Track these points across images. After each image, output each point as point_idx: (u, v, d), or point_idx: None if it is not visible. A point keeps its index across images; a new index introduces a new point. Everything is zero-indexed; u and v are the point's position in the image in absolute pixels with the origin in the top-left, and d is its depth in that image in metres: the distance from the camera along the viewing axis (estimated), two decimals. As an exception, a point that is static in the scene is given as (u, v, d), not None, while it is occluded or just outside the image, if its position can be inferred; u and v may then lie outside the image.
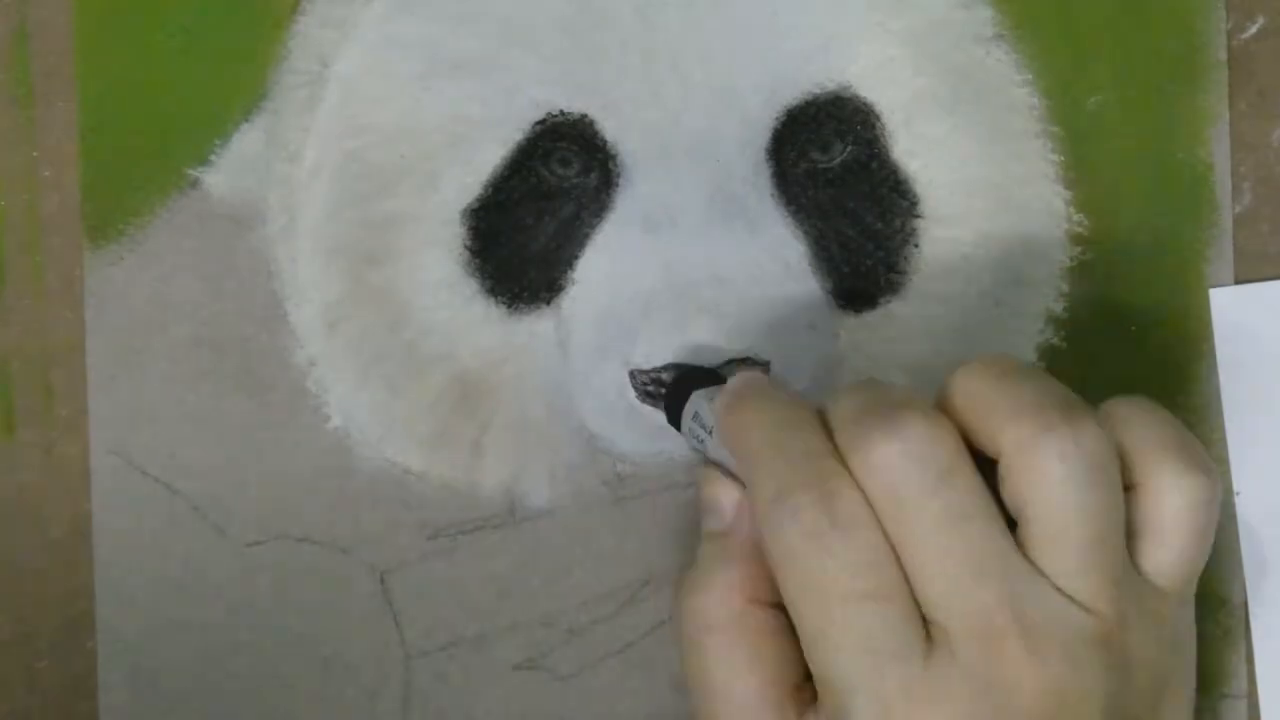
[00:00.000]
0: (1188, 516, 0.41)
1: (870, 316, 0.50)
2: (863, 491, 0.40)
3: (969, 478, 0.40)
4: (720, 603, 0.43)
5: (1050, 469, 0.39)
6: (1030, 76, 0.49)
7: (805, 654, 0.41)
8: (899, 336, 0.50)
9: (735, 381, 0.45)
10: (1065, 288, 0.50)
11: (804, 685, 0.42)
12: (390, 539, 0.50)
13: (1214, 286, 0.50)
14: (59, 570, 0.50)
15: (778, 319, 0.48)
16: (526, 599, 0.50)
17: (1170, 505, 0.41)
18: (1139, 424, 0.42)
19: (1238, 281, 0.50)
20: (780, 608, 0.42)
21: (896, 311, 0.50)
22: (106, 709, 0.50)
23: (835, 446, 0.41)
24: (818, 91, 0.49)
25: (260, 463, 0.50)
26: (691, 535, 0.50)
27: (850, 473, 0.40)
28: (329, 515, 0.50)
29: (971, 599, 0.39)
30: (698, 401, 0.46)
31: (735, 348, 0.48)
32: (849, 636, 0.39)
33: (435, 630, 0.50)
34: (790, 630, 0.41)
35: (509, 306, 0.50)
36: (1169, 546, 0.41)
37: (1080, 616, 0.39)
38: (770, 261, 0.49)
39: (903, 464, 0.39)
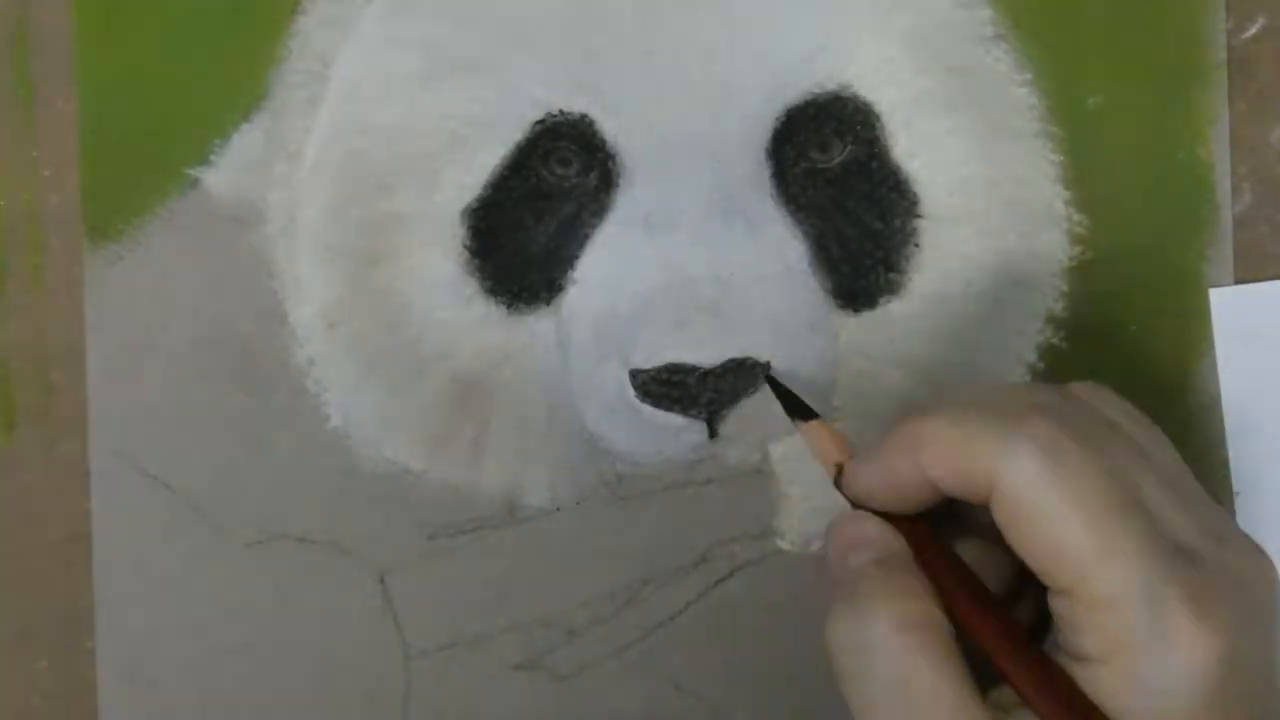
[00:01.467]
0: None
1: (870, 316, 0.50)
2: None
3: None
4: (916, 605, 0.40)
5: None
6: (1030, 76, 0.49)
7: (1067, 581, 0.38)
8: (899, 336, 0.50)
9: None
10: (1065, 287, 0.50)
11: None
12: (390, 539, 0.50)
13: (1214, 286, 0.50)
14: (59, 570, 0.50)
15: (777, 319, 0.48)
16: (526, 599, 0.50)
17: None
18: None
19: (1238, 281, 0.50)
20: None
21: (896, 311, 0.50)
22: (106, 708, 0.50)
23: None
24: (818, 91, 0.49)
25: (260, 462, 0.50)
26: (691, 535, 0.50)
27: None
28: (329, 515, 0.50)
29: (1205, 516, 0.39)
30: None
31: (734, 348, 0.48)
32: (1128, 537, 0.37)
33: (435, 630, 0.50)
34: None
35: (509, 306, 0.50)
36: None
37: None
38: (770, 261, 0.49)
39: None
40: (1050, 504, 0.37)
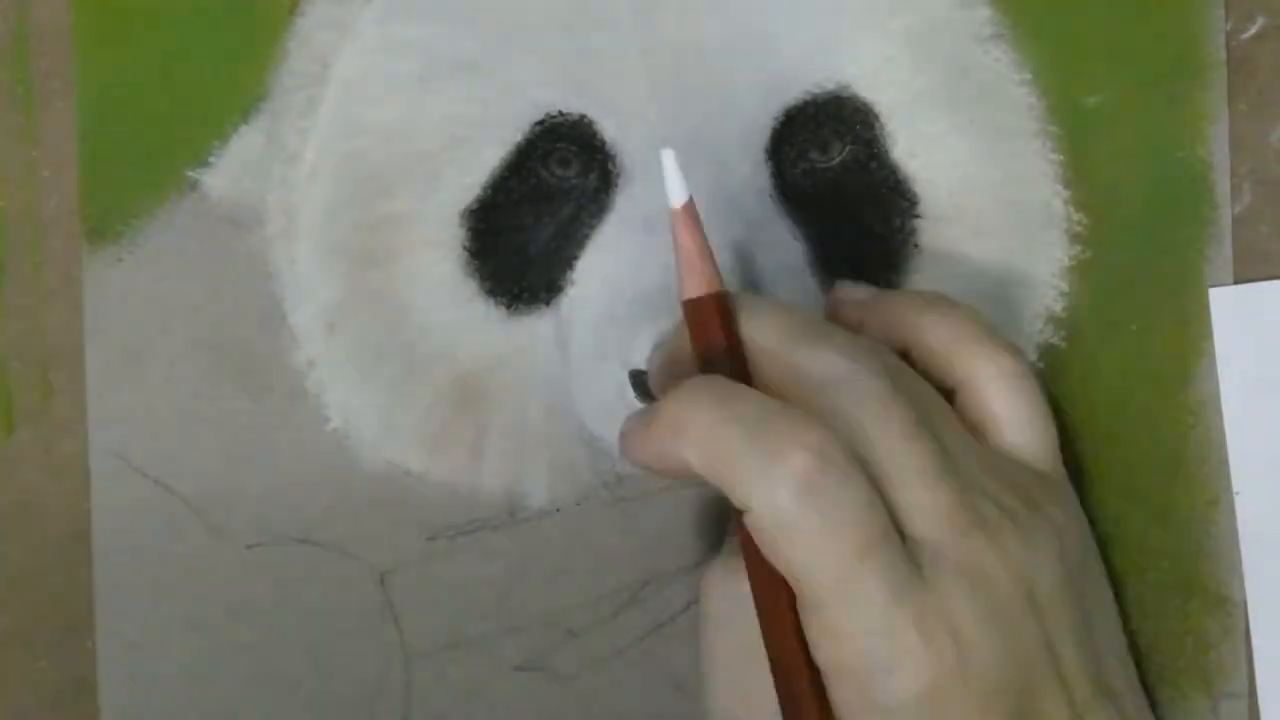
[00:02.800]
0: (1015, 393, 0.45)
1: (870, 316, 0.50)
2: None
3: (918, 384, 0.43)
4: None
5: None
6: (1029, 76, 0.49)
7: (809, 603, 0.40)
8: (898, 336, 0.50)
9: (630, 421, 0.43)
10: (1065, 287, 0.50)
11: None
12: (390, 540, 0.50)
13: (1214, 286, 0.50)
14: (58, 570, 0.50)
15: (777, 319, 0.48)
16: (526, 600, 0.50)
17: (997, 390, 0.44)
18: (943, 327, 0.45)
19: (1237, 281, 0.50)
20: None
21: (896, 311, 0.50)
22: (106, 709, 0.50)
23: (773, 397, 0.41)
24: (817, 91, 0.49)
25: (259, 464, 0.50)
26: (691, 535, 0.50)
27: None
28: (329, 516, 0.50)
29: (938, 496, 0.41)
30: None
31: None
32: (867, 587, 0.39)
33: (435, 631, 0.50)
34: None
35: (508, 307, 0.50)
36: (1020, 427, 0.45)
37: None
38: (769, 262, 0.49)
39: (852, 384, 0.41)
40: (799, 541, 0.39)
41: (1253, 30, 0.50)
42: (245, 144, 0.50)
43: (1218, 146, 0.50)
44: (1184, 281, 0.50)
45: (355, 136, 0.49)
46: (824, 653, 0.40)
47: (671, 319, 0.47)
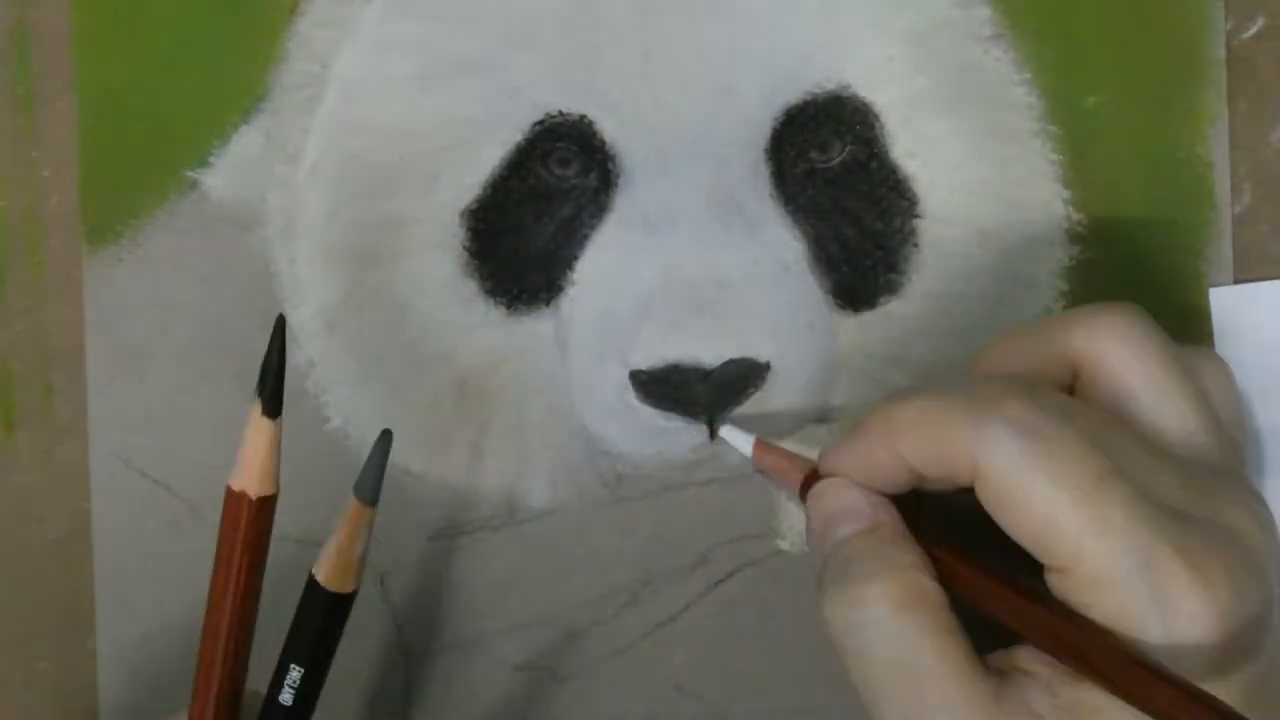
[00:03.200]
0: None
1: (869, 316, 0.50)
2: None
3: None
4: (911, 581, 0.40)
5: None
6: (1029, 76, 0.49)
7: (1062, 559, 0.38)
8: (898, 337, 0.50)
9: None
10: (1065, 287, 0.50)
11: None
12: (390, 540, 0.50)
13: (1214, 286, 0.50)
14: (59, 571, 0.50)
15: (777, 319, 0.48)
16: (526, 600, 0.50)
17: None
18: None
19: (1237, 281, 0.50)
20: None
21: (896, 311, 0.50)
22: (107, 709, 0.50)
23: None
24: (817, 91, 0.49)
25: (260, 464, 0.50)
26: (691, 535, 0.50)
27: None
28: (329, 516, 0.50)
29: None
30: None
31: (734, 348, 0.48)
32: (1116, 507, 0.38)
33: (435, 631, 0.50)
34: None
35: (508, 307, 0.50)
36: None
37: None
38: (769, 262, 0.49)
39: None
40: (1035, 484, 0.38)
41: (1253, 30, 0.50)
42: (245, 144, 0.50)
43: (1218, 146, 0.50)
44: (1184, 281, 0.50)
45: (355, 136, 0.49)
46: (1087, 610, 0.38)
47: (671, 319, 0.48)
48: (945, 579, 0.40)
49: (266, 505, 0.43)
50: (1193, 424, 0.42)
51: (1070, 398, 0.41)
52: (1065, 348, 0.43)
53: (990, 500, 0.39)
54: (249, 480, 0.42)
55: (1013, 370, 0.43)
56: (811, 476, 0.44)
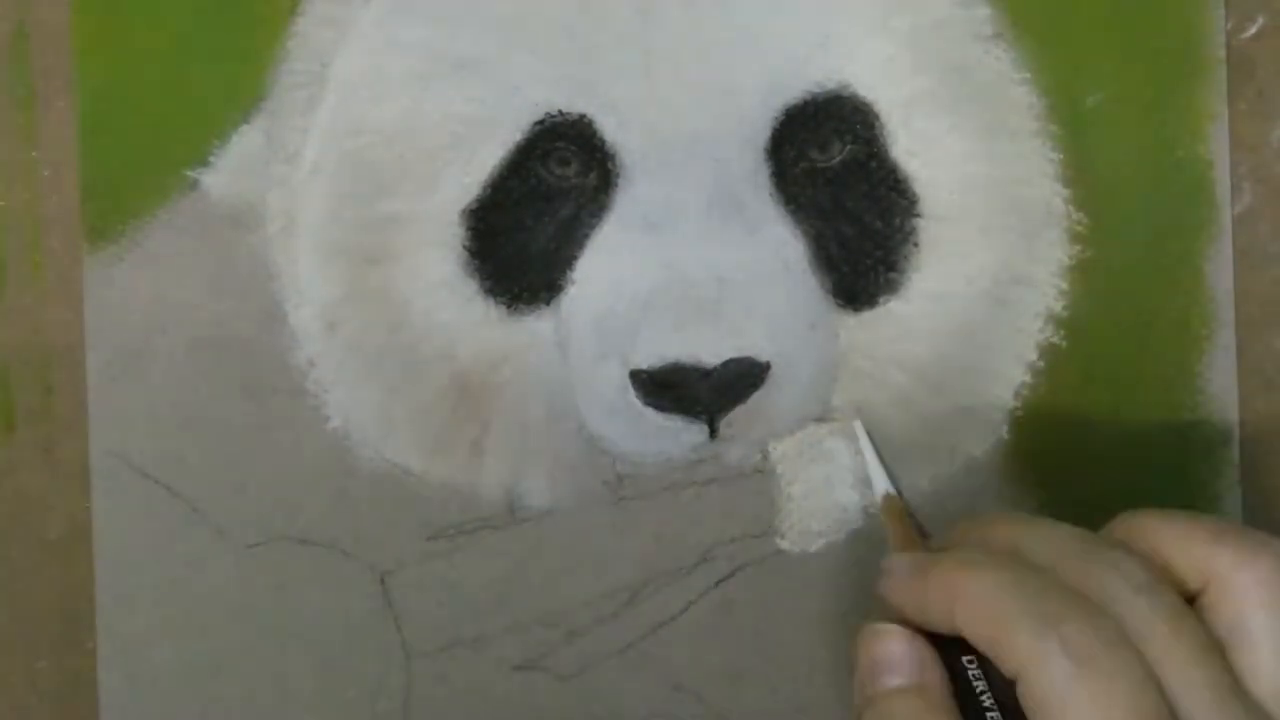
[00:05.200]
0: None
1: (870, 315, 0.50)
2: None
3: (1193, 614, 0.40)
4: None
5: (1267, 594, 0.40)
6: (1029, 75, 0.49)
7: None
8: (899, 335, 0.50)
9: (897, 559, 0.43)
10: (1065, 286, 0.50)
11: None
12: (390, 540, 0.50)
13: (1213, 285, 0.50)
14: (58, 570, 0.50)
15: (777, 319, 0.48)
16: (526, 599, 0.50)
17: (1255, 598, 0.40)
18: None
19: (1237, 281, 0.50)
20: None
21: (896, 310, 0.50)
22: (106, 709, 0.50)
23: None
24: (817, 90, 0.49)
25: (260, 463, 0.50)
26: (691, 535, 0.50)
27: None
28: (329, 516, 0.50)
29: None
30: None
31: (734, 348, 0.48)
32: None
33: (435, 631, 0.50)
34: None
35: (508, 307, 0.50)
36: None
37: None
38: (770, 261, 0.49)
39: (1152, 595, 0.39)
40: (1075, 711, 0.38)
41: (1253, 30, 0.50)
42: (245, 143, 0.50)
43: (1218, 145, 0.50)
44: (1184, 280, 0.50)
45: (355, 136, 0.49)
46: None
47: (671, 319, 0.48)
48: None
49: None
50: None
51: (1137, 597, 0.40)
52: (1208, 560, 0.41)
53: (1030, 707, 0.38)
54: None
55: (1151, 547, 0.42)
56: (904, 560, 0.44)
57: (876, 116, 0.49)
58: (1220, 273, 0.50)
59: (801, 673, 0.50)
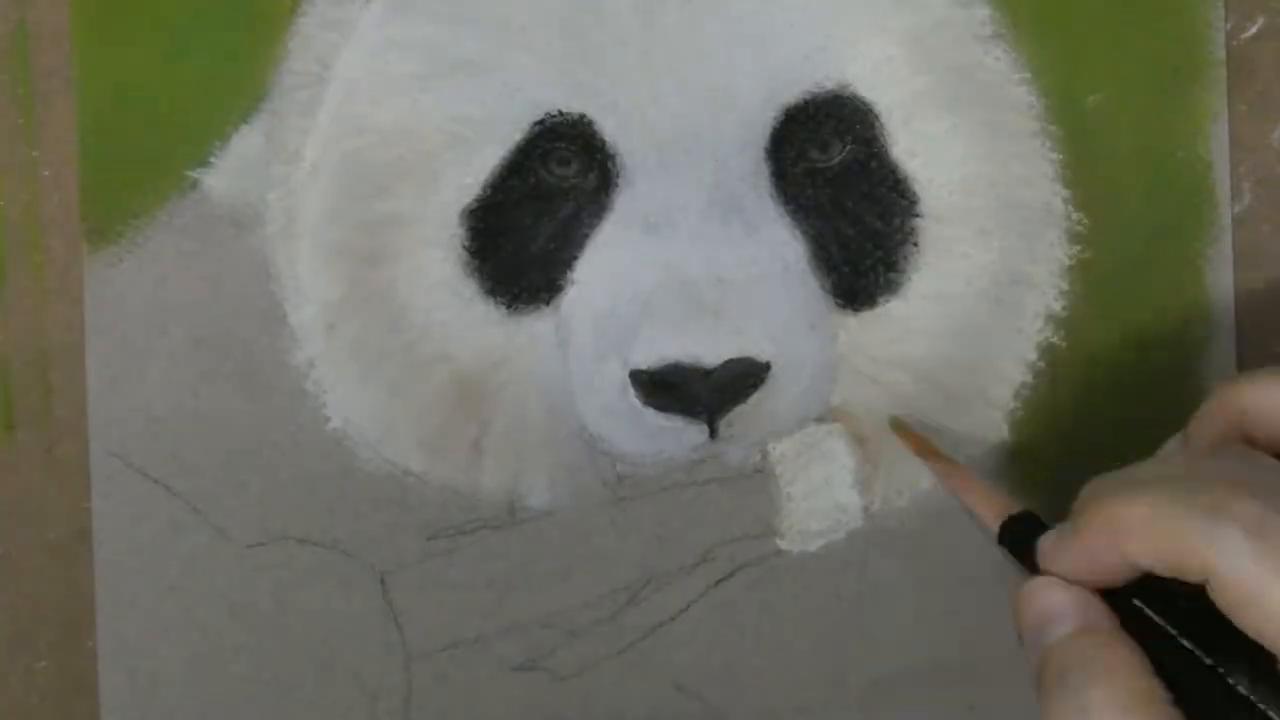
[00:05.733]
0: None
1: (870, 316, 0.50)
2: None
3: None
4: (1134, 684, 0.39)
5: None
6: (1029, 75, 0.49)
7: None
8: (898, 336, 0.50)
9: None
10: (1064, 286, 0.50)
11: None
12: (390, 540, 0.50)
13: (1213, 285, 0.50)
14: (58, 570, 0.50)
15: (777, 319, 0.48)
16: (526, 600, 0.50)
17: None
18: None
19: (1236, 280, 0.50)
20: None
21: (896, 311, 0.50)
22: (107, 709, 0.50)
23: None
24: (816, 91, 0.49)
25: (260, 464, 0.50)
26: (691, 535, 0.50)
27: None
28: (329, 516, 0.50)
29: None
30: None
31: (734, 348, 0.48)
32: None
33: (436, 631, 0.50)
34: None
35: (508, 307, 0.50)
36: None
37: None
38: (769, 261, 0.49)
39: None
40: (1272, 588, 0.37)
41: (1252, 30, 0.50)
42: (246, 144, 0.50)
43: (1217, 146, 0.50)
44: (1183, 279, 0.50)
45: (355, 136, 0.49)
46: None
47: (671, 319, 0.48)
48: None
49: None
50: None
51: None
52: None
53: (1226, 601, 0.38)
54: None
55: (1234, 434, 0.42)
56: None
57: (876, 117, 0.49)
58: (1220, 273, 0.50)
59: (801, 672, 0.50)
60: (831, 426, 0.50)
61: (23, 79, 0.50)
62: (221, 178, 0.50)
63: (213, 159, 0.50)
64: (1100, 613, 0.41)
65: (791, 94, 0.49)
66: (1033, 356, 0.50)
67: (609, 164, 0.49)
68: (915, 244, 0.49)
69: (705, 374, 0.48)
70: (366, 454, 0.50)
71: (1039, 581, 0.42)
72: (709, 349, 0.48)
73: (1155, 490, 0.40)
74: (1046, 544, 0.42)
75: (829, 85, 0.49)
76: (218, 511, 0.50)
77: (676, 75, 0.48)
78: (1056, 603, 0.41)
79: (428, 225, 0.49)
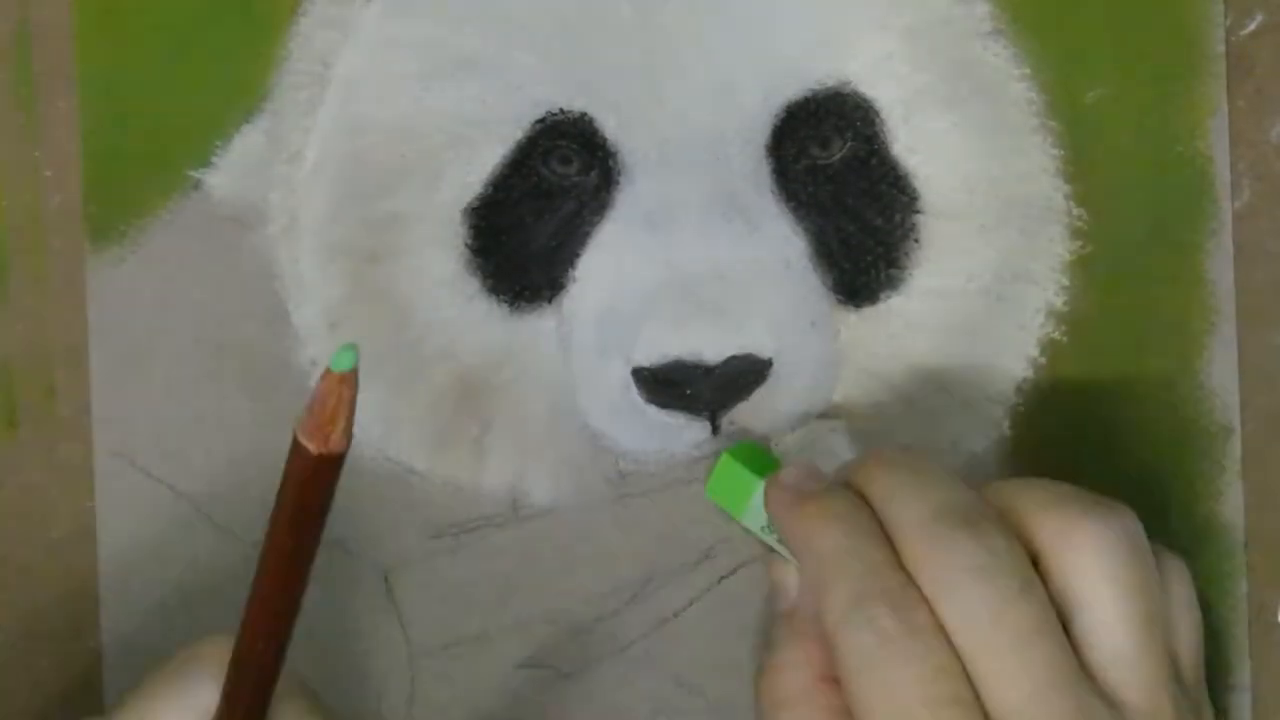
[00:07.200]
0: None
1: (871, 313, 0.50)
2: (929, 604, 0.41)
3: (1041, 590, 0.41)
4: (792, 680, 0.44)
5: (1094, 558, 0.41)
6: (1029, 71, 0.49)
7: None
8: (900, 333, 0.50)
9: (789, 476, 0.46)
10: (1066, 281, 0.50)
11: None
12: (394, 538, 0.50)
13: (1213, 281, 0.50)
14: (61, 570, 0.50)
15: (779, 316, 0.49)
16: (530, 597, 0.50)
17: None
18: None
19: (1237, 276, 0.50)
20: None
21: (897, 308, 0.50)
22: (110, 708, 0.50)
23: (898, 555, 0.42)
24: (817, 88, 0.49)
25: (263, 463, 0.50)
26: (694, 532, 0.50)
27: (918, 585, 0.41)
28: (332, 515, 0.50)
29: (1050, 710, 0.39)
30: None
31: (736, 344, 0.48)
32: None
33: (439, 629, 0.50)
34: None
35: (511, 305, 0.50)
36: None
37: None
38: (771, 258, 0.49)
39: (981, 581, 0.40)
40: (871, 685, 0.40)
41: (1252, 26, 0.50)
42: (247, 143, 0.50)
43: (1217, 141, 0.50)
44: (1184, 275, 0.50)
45: (357, 135, 0.49)
46: None
47: (673, 316, 0.48)
48: None
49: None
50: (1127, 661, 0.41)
51: (1020, 595, 0.41)
52: (1043, 525, 0.42)
53: (839, 673, 0.41)
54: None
55: (1011, 511, 0.43)
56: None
57: (877, 114, 0.49)
58: (1220, 268, 0.50)
59: (804, 669, 0.50)
60: (834, 423, 0.50)
61: (24, 78, 0.50)
62: (224, 177, 0.50)
63: (215, 159, 0.50)
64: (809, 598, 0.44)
65: (792, 91, 0.49)
66: (1034, 352, 0.50)
67: (610, 162, 0.49)
68: (916, 240, 0.49)
69: (707, 371, 0.48)
70: (369, 452, 0.50)
71: (776, 559, 0.47)
72: (711, 346, 0.48)
73: (845, 538, 0.43)
74: (786, 484, 0.46)
75: (830, 82, 0.49)
76: (221, 511, 0.50)
77: (678, 72, 0.48)
78: (783, 581, 0.47)
79: (430, 224, 0.49)
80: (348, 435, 0.38)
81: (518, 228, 0.49)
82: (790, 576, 0.46)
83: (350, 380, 0.37)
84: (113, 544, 0.50)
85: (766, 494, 0.46)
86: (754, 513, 0.47)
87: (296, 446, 0.38)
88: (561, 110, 0.49)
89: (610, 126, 0.49)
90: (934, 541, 0.41)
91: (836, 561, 0.42)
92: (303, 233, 0.50)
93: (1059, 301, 0.50)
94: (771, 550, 0.47)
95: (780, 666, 0.44)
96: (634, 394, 0.48)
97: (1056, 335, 0.50)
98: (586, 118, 0.49)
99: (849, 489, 0.44)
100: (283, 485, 0.39)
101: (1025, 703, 0.39)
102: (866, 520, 0.43)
